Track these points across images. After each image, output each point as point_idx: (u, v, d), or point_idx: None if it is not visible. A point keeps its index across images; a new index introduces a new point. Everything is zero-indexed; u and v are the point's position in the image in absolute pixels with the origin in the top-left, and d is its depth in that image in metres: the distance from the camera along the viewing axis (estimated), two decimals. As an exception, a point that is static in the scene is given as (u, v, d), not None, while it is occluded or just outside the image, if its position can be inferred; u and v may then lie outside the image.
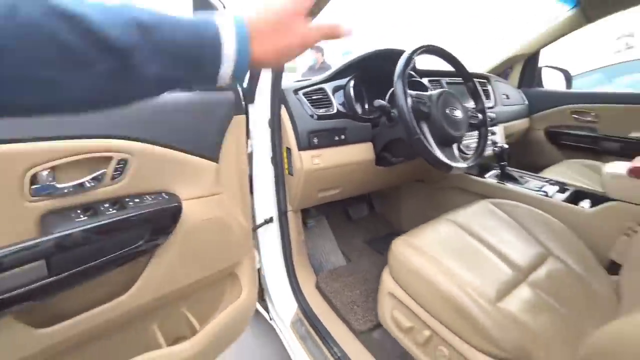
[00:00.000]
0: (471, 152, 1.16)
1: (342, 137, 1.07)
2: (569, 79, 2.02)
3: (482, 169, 1.41)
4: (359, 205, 1.72)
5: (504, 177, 1.32)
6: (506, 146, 1.30)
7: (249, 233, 0.93)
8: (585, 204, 1.11)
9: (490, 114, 1.51)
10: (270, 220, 1.13)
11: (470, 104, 1.19)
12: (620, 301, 0.82)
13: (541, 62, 1.98)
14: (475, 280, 0.78)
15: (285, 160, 1.09)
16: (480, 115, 1.15)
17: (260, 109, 1.03)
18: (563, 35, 1.72)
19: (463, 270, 0.81)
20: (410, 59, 0.98)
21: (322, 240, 1.48)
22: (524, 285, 0.81)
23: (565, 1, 1.61)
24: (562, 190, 1.20)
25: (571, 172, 1.48)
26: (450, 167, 0.95)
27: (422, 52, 1.02)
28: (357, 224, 1.65)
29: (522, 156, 2.04)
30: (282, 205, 1.12)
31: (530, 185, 1.26)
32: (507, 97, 1.75)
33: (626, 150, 1.60)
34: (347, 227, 1.61)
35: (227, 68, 0.32)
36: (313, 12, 0.76)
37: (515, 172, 1.34)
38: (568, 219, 1.06)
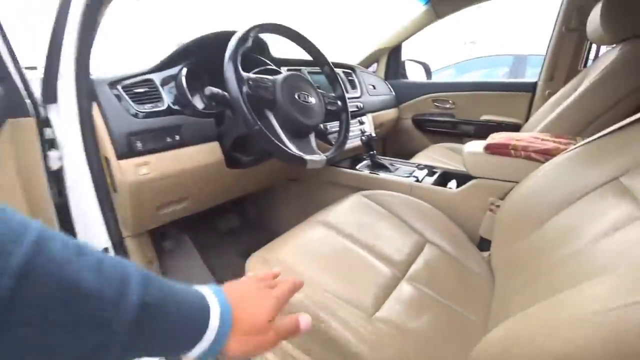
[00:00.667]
0: None
1: (177, 137, 0.84)
2: (428, 70, 2.16)
3: (355, 161, 1.35)
4: (227, 214, 1.49)
5: (375, 166, 1.27)
6: (374, 135, 1.25)
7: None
8: (452, 184, 1.11)
9: (358, 103, 1.46)
10: (106, 251, 0.83)
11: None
12: (495, 277, 0.80)
13: (404, 57, 2.08)
14: (348, 292, 0.65)
15: (107, 174, 0.80)
16: (339, 102, 1.05)
17: (67, 109, 0.76)
18: (419, 29, 1.82)
19: (334, 281, 0.67)
20: (244, 38, 0.81)
21: (185, 262, 1.21)
22: (404, 283, 0.73)
23: (419, -1, 1.70)
24: (431, 173, 1.19)
25: (437, 155, 1.54)
26: (304, 161, 0.81)
27: (261, 31, 0.86)
28: (230, 236, 1.42)
29: (394, 145, 2.12)
30: (113, 233, 0.85)
31: (401, 172, 1.23)
32: (374, 88, 1.74)
33: (480, 132, 1.74)
34: (218, 241, 1.36)
35: (196, 351, 0.31)
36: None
37: (385, 160, 1.31)
38: (438, 202, 1.04)
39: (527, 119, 1.60)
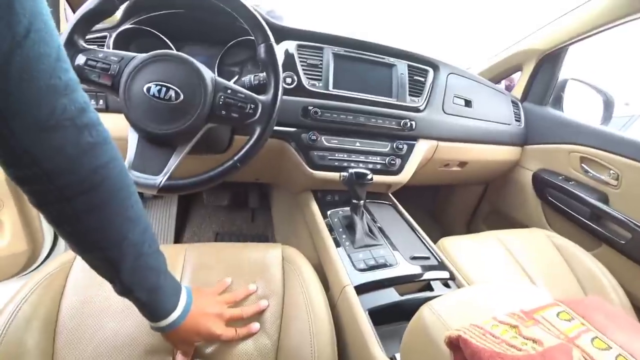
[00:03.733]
0: None
1: (101, 102, 0.76)
2: (609, 106, 1.27)
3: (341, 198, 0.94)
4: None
5: (351, 226, 0.82)
6: (369, 177, 0.76)
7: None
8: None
9: (406, 118, 0.94)
10: None
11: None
12: None
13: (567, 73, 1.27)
14: None
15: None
16: (270, 96, 0.64)
17: None
18: (605, 24, 1.01)
19: None
20: None
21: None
22: None
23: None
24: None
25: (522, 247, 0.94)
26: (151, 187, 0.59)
27: None
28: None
29: (492, 202, 1.41)
30: None
31: (382, 252, 0.76)
32: (469, 105, 1.10)
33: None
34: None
35: (160, 324, 0.45)
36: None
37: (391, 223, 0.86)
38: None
39: None
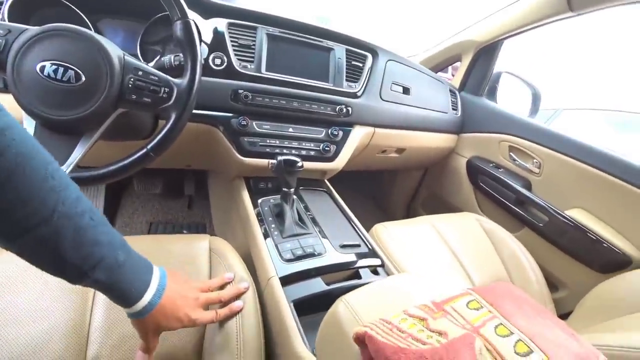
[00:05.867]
0: None
1: None
2: (536, 99, 1.35)
3: (271, 185, 0.90)
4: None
5: (281, 214, 0.80)
6: (300, 164, 0.71)
7: None
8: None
9: (342, 104, 0.90)
10: None
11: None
12: None
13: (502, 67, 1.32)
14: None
15: None
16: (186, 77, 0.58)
17: None
18: (536, 22, 1.05)
19: None
20: None
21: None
22: None
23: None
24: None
25: (455, 229, 0.98)
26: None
27: None
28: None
29: (429, 186, 1.47)
30: None
31: (311, 241, 0.73)
32: (416, 92, 1.10)
33: (557, 233, 1.00)
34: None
35: (136, 307, 0.41)
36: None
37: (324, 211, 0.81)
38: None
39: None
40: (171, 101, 0.56)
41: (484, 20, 1.20)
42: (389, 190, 1.75)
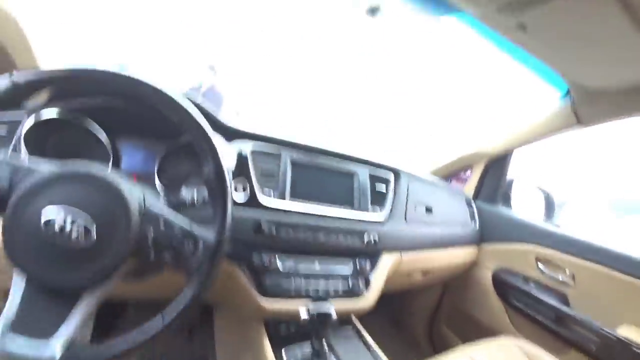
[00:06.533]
0: None
1: None
2: (551, 205, 1.34)
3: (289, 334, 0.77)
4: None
5: None
6: (334, 316, 0.62)
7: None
8: None
9: (371, 233, 0.84)
10: None
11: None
12: None
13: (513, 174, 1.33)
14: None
15: None
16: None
17: None
18: (546, 134, 1.08)
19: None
20: None
21: None
22: None
23: (555, 83, 1.00)
24: None
25: None
26: None
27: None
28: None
29: (454, 306, 1.35)
30: None
31: None
32: (429, 211, 1.07)
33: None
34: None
35: None
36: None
37: None
38: None
39: None
40: (194, 261, 0.48)
41: (494, 133, 1.24)
42: (409, 308, 1.61)
